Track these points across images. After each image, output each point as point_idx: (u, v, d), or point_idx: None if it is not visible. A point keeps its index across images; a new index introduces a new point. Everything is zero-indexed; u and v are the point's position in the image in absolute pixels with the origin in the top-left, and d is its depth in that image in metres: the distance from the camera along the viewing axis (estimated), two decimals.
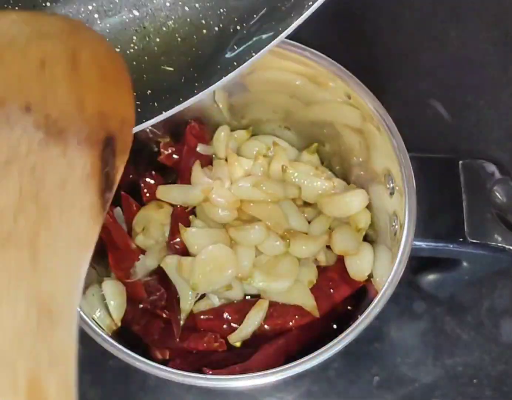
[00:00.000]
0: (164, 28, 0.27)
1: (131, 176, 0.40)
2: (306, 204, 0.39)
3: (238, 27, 0.27)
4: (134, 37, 0.27)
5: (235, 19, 0.27)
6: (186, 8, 0.27)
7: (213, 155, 0.40)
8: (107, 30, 0.27)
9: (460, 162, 0.35)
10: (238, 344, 0.35)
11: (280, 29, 0.25)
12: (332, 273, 0.37)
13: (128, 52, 0.27)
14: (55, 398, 0.21)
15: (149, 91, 0.27)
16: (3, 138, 0.23)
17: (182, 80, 0.27)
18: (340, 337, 0.29)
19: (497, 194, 0.35)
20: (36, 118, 0.24)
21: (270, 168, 0.39)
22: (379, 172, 0.35)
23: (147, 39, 0.27)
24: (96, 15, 0.27)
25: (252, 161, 0.39)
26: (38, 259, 0.22)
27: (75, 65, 0.25)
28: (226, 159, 0.39)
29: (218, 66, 0.26)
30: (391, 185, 0.34)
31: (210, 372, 0.31)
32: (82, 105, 0.25)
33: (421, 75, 0.48)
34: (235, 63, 0.26)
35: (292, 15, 0.25)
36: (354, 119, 0.35)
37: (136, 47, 0.27)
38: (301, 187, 0.38)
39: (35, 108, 0.24)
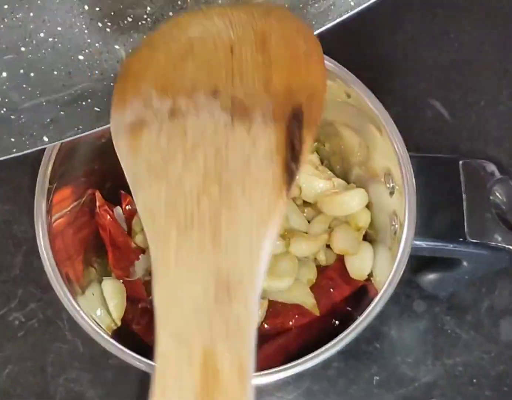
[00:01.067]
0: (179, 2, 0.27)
1: None
2: (306, 203, 0.39)
3: None
4: (148, 7, 0.27)
5: None
6: None
7: None
8: None
9: (460, 162, 0.35)
10: None
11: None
12: (332, 272, 0.37)
13: (139, 23, 0.27)
14: (228, 372, 0.21)
15: None
16: (192, 125, 0.24)
17: None
18: (340, 336, 0.29)
19: (497, 194, 0.35)
20: (222, 101, 0.24)
21: None
22: (379, 171, 0.35)
23: (161, 11, 0.27)
24: None
25: None
26: (219, 238, 0.23)
27: (263, 46, 0.25)
28: None
29: None
30: (391, 184, 0.34)
31: None
32: (268, 83, 0.25)
33: (421, 74, 0.48)
34: None
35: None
36: (354, 118, 0.35)
37: (149, 19, 0.27)
38: (300, 186, 0.38)
39: (222, 92, 0.24)
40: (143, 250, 0.38)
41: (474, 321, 0.42)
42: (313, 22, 0.25)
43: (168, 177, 0.24)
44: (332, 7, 0.25)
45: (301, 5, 0.26)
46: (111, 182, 0.39)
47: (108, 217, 0.37)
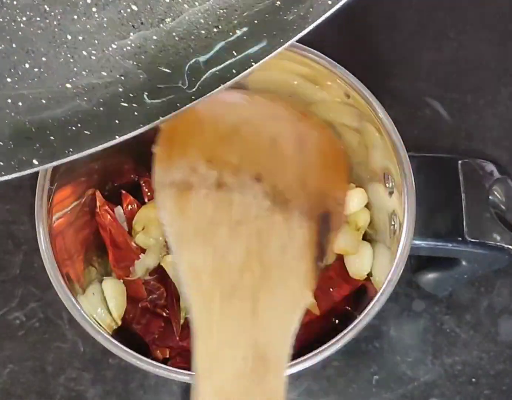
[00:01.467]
0: (161, 25, 0.27)
1: (132, 175, 0.40)
2: None
3: (237, 31, 0.26)
4: (131, 33, 0.27)
5: (235, 22, 0.26)
6: (185, 6, 0.27)
7: None
8: (104, 25, 0.26)
9: (459, 161, 0.35)
10: None
11: (280, 41, 0.25)
12: (332, 271, 0.37)
13: (124, 49, 0.27)
14: None
15: (146, 93, 0.27)
16: (238, 201, 0.26)
17: (180, 84, 0.26)
18: (339, 336, 0.29)
19: (496, 193, 0.35)
20: (265, 187, 0.27)
21: None
22: (378, 171, 0.35)
23: (144, 36, 0.27)
24: (94, 9, 0.26)
25: None
26: (257, 312, 0.25)
27: (301, 147, 0.29)
28: None
29: (217, 72, 0.26)
30: (391, 184, 0.34)
31: None
32: (305, 182, 0.28)
33: (420, 74, 0.49)
34: (234, 70, 0.26)
35: (295, 26, 0.25)
36: (353, 118, 0.35)
37: (133, 44, 0.27)
38: None
39: (264, 178, 0.27)
40: (143, 250, 0.38)
41: (473, 321, 0.42)
42: (294, 27, 0.25)
43: (214, 244, 0.26)
44: (311, 9, 0.25)
45: (281, 12, 0.26)
46: (111, 182, 0.39)
47: (109, 216, 0.37)
